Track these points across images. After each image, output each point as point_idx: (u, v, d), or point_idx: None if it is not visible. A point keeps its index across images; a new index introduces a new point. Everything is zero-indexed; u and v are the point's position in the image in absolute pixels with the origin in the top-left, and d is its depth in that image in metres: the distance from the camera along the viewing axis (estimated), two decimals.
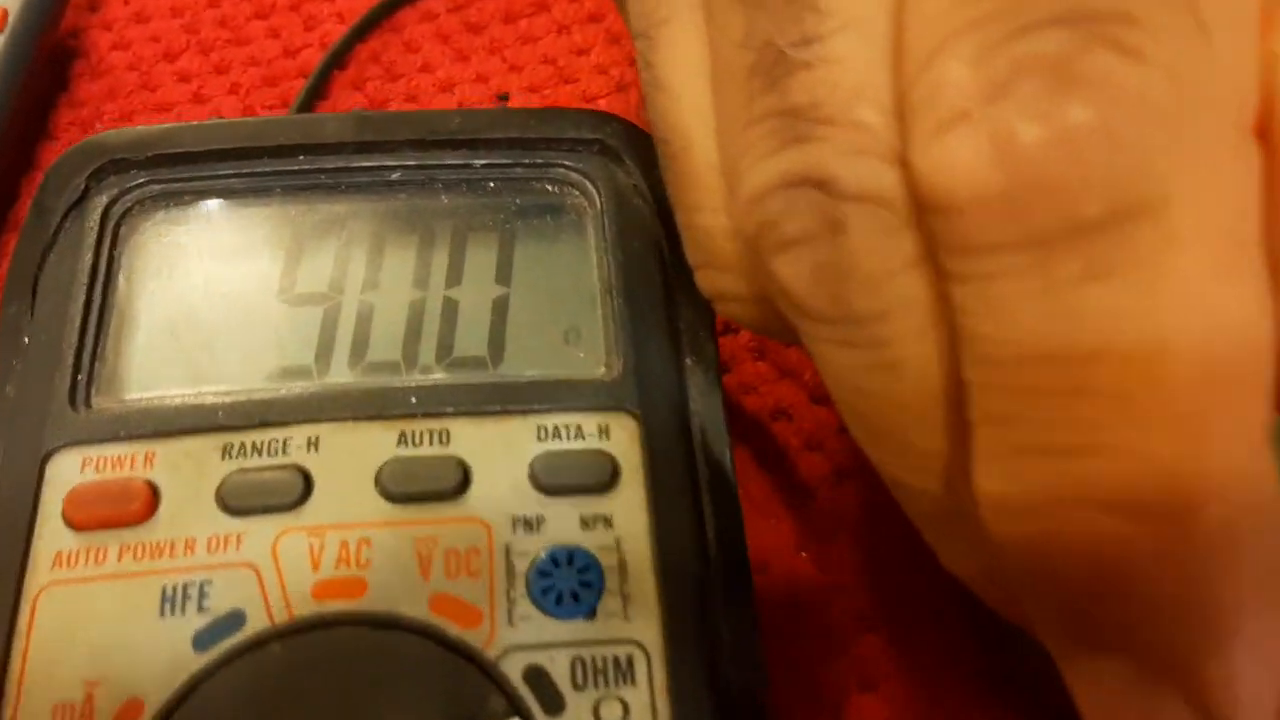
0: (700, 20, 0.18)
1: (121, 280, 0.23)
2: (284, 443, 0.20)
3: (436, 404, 0.21)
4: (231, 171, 0.24)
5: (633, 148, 0.24)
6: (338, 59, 0.33)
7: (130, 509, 0.20)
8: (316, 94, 0.32)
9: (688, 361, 0.22)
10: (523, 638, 0.19)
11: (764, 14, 0.16)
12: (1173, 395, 0.13)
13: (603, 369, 0.22)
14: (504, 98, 0.32)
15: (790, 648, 0.23)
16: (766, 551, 0.25)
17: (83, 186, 0.24)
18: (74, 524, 0.20)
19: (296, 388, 0.21)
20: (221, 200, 0.24)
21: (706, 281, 0.20)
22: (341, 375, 0.22)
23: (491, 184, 0.24)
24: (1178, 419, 0.13)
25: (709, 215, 0.18)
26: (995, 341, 0.14)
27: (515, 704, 0.18)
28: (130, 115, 0.32)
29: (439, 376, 0.21)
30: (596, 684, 0.18)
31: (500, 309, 0.22)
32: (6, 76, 0.31)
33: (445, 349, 0.22)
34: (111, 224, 0.23)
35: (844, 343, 0.16)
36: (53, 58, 0.34)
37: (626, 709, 0.18)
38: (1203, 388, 0.13)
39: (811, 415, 0.26)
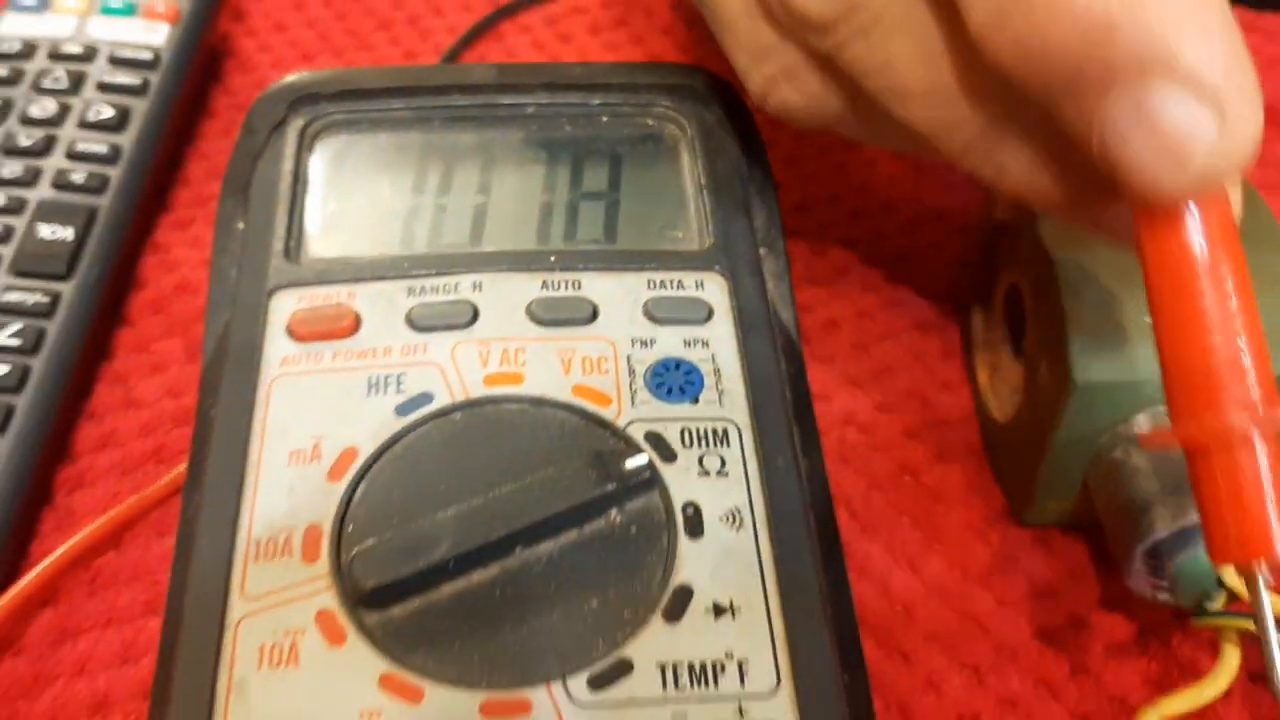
0: None
1: (314, 179, 0.29)
2: (455, 284, 0.26)
3: (569, 262, 0.27)
4: (399, 105, 0.30)
5: (715, 92, 0.30)
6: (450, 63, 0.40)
7: (340, 326, 0.26)
8: None
9: (762, 251, 0.29)
10: (643, 414, 0.24)
11: None
12: None
13: (697, 244, 0.28)
14: None
15: None
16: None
17: (283, 113, 0.30)
18: (296, 337, 0.26)
19: (460, 252, 0.27)
20: (391, 126, 0.30)
21: (757, 78, 0.26)
22: (492, 246, 0.28)
23: (605, 118, 0.30)
24: None
25: (747, 31, 0.25)
26: None
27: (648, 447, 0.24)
28: None
29: (568, 247, 0.28)
30: (701, 444, 0.24)
31: (613, 207, 0.29)
32: (177, 60, 0.38)
33: (570, 233, 0.28)
34: (306, 141, 0.30)
35: None
36: (209, 56, 0.41)
37: (724, 461, 0.24)
38: None
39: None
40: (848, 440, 0.31)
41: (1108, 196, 0.21)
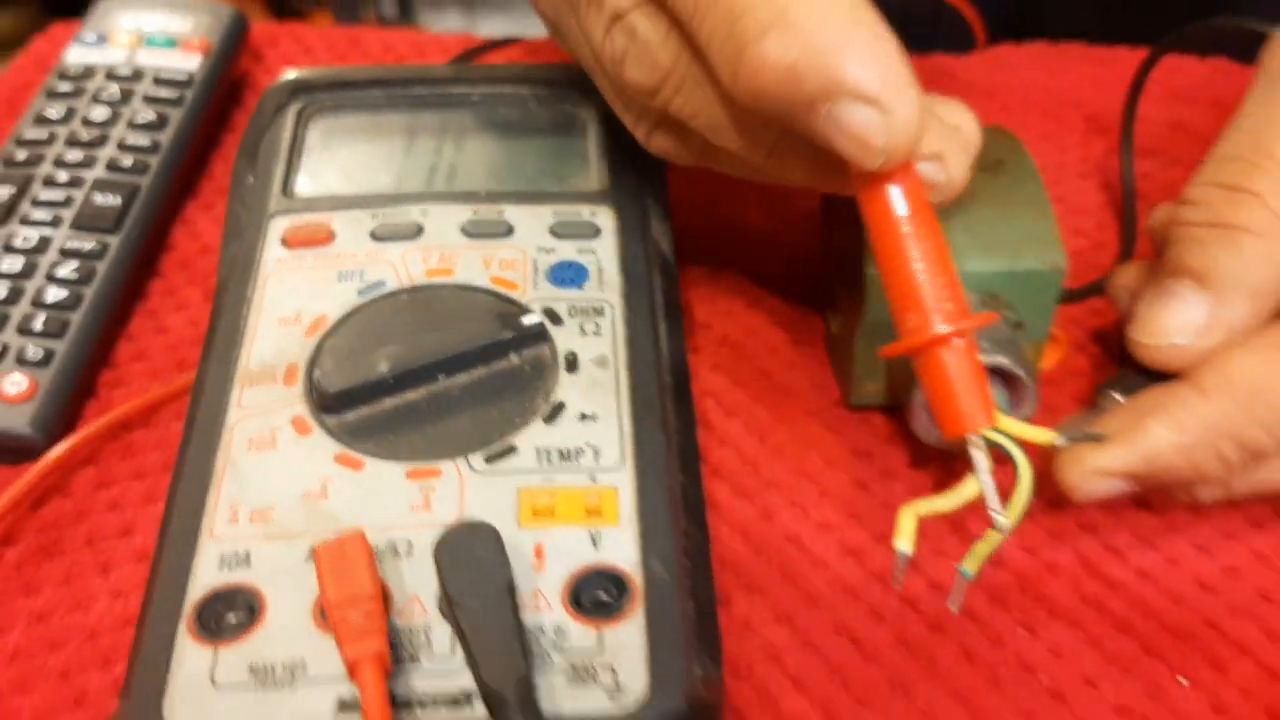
0: None
1: (308, 145, 0.38)
2: (408, 211, 0.35)
3: (495, 199, 0.36)
4: (376, 93, 0.40)
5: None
6: None
7: (319, 236, 0.34)
8: None
9: (648, 200, 0.37)
10: (542, 295, 0.33)
11: None
12: None
13: (595, 187, 0.37)
14: None
15: None
16: None
17: (286, 98, 0.39)
18: (287, 244, 0.34)
19: (414, 191, 0.36)
20: (368, 108, 0.39)
21: (639, 134, 0.34)
22: (438, 186, 0.37)
23: (532, 103, 0.40)
24: None
25: (618, 99, 0.34)
26: None
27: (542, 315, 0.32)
28: None
29: (496, 188, 0.37)
30: (582, 315, 0.33)
31: (532, 161, 0.38)
32: (207, 82, 0.48)
33: (500, 179, 0.37)
34: (303, 118, 0.39)
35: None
36: (232, 85, 0.50)
37: (599, 326, 0.32)
38: None
39: None
40: (721, 353, 0.39)
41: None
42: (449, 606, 0.25)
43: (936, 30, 0.51)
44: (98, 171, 0.43)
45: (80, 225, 0.41)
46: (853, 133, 0.27)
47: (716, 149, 0.32)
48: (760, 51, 0.27)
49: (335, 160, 0.38)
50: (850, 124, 0.27)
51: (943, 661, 0.31)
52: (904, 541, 0.29)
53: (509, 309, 0.32)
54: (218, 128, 0.49)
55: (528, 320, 0.32)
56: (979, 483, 0.29)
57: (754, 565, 0.33)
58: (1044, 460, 0.32)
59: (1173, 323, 0.30)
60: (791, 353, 0.39)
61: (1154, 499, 0.33)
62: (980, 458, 0.29)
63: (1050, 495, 0.34)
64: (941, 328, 0.28)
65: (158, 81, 0.47)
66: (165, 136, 0.45)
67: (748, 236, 0.44)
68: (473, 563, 0.25)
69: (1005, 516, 0.28)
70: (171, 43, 0.49)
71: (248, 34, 0.51)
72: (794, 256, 0.42)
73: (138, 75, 0.47)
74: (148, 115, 0.45)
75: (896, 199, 0.29)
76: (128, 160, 0.44)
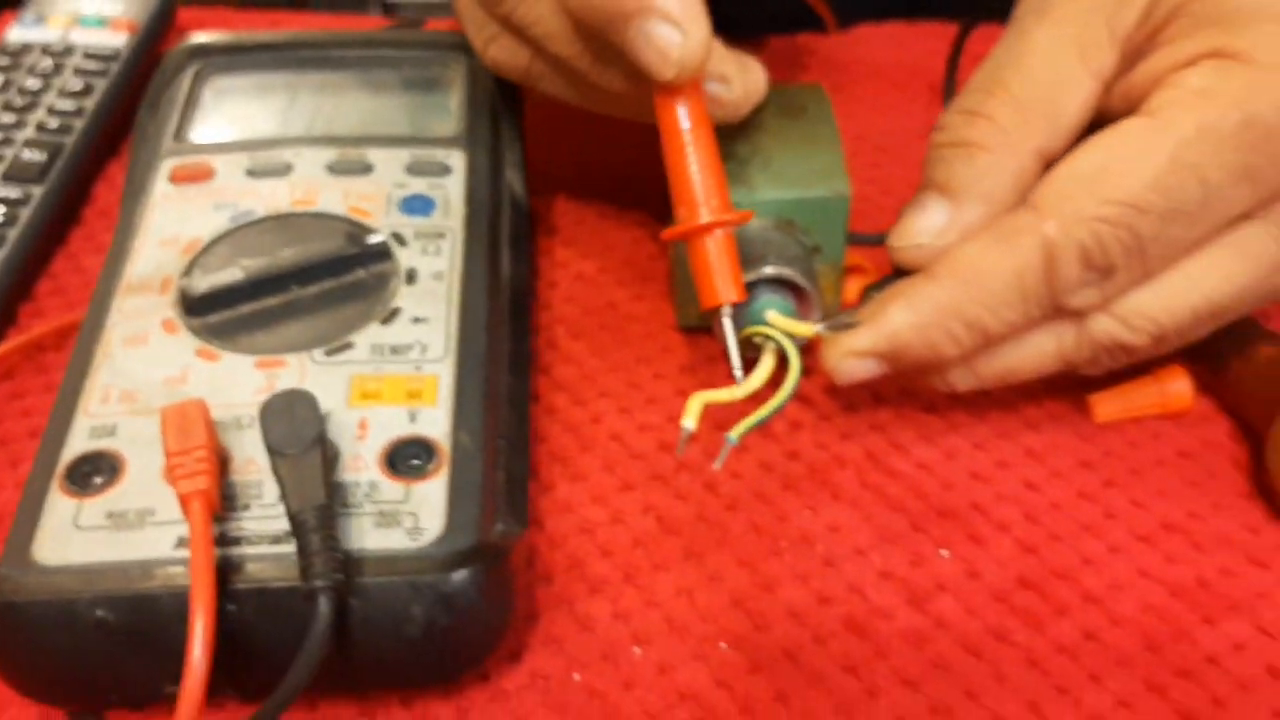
0: None
1: (201, 100, 0.43)
2: (281, 153, 0.40)
3: (360, 143, 0.41)
4: (264, 56, 0.44)
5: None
6: None
7: (200, 173, 0.39)
8: None
9: (503, 147, 0.42)
10: (392, 223, 0.38)
11: None
12: None
13: (450, 131, 0.42)
14: None
15: None
16: None
17: (184, 60, 0.44)
18: (173, 180, 0.39)
19: (289, 136, 0.41)
20: (257, 69, 0.44)
21: (477, 43, 0.39)
22: (314, 131, 0.41)
23: (404, 63, 0.44)
24: None
25: (468, 8, 0.39)
26: None
27: (389, 240, 0.37)
28: None
29: (362, 134, 0.41)
30: (426, 239, 0.37)
31: (396, 110, 0.43)
32: (132, 56, 0.53)
33: (366, 126, 0.42)
34: (199, 77, 0.44)
35: None
36: (156, 58, 0.55)
37: (440, 248, 0.37)
38: None
39: None
40: (575, 286, 0.44)
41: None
42: (268, 454, 0.29)
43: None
44: (27, 132, 0.48)
45: (8, 177, 0.46)
46: (656, 44, 0.33)
47: (543, 64, 0.38)
48: None
49: (224, 113, 0.43)
50: (654, 36, 0.33)
51: (733, 533, 0.36)
52: (689, 420, 0.34)
53: (359, 231, 0.37)
54: (140, 97, 0.53)
55: (372, 239, 0.36)
56: (745, 377, 0.34)
57: (580, 459, 0.38)
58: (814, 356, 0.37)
59: (917, 226, 0.35)
60: (639, 285, 0.44)
61: (917, 386, 0.38)
62: (728, 325, 0.34)
63: (845, 400, 0.39)
64: (706, 218, 0.34)
65: (86, 56, 0.52)
66: (90, 103, 0.50)
67: (609, 184, 0.48)
68: (290, 419, 0.29)
69: (741, 378, 0.34)
70: (102, 22, 0.54)
71: (174, 15, 0.56)
72: (647, 200, 0.47)
73: (69, 51, 0.52)
74: (75, 85, 0.50)
75: (683, 112, 0.34)
76: (54, 123, 0.49)
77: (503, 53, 0.39)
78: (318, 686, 0.30)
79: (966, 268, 0.33)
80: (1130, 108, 0.34)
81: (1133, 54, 0.34)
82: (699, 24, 0.33)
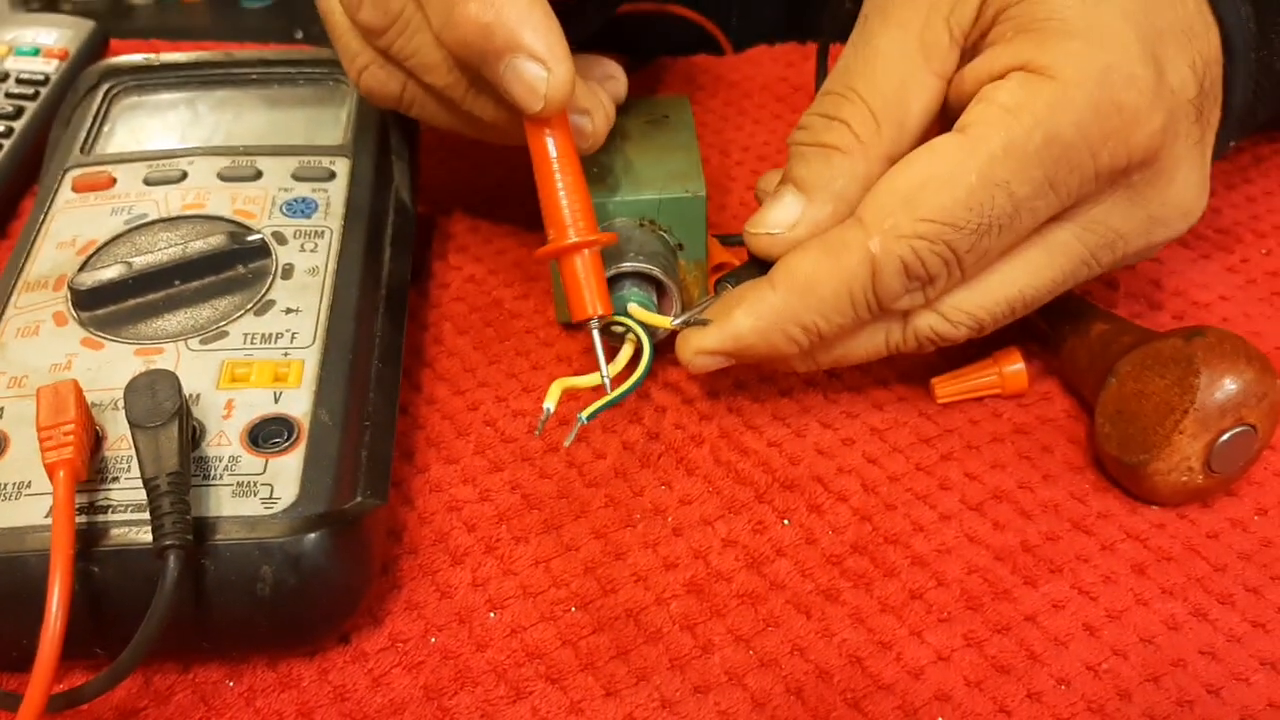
0: None
1: (111, 116, 0.46)
2: (176, 163, 0.43)
3: (252, 152, 0.43)
4: (170, 76, 0.47)
5: None
6: None
7: (101, 182, 0.42)
8: None
9: (392, 158, 0.45)
10: (274, 223, 0.40)
11: None
12: None
13: (337, 141, 0.44)
14: None
15: None
16: None
17: (97, 80, 0.47)
18: (75, 189, 0.42)
19: (187, 147, 0.44)
20: (164, 89, 0.47)
21: (351, 71, 0.42)
22: (211, 142, 0.44)
23: (299, 80, 0.47)
24: None
25: (343, 37, 0.42)
26: None
27: (268, 238, 0.40)
28: None
29: (256, 144, 0.44)
30: (305, 237, 0.40)
31: (288, 124, 0.45)
32: (61, 81, 0.56)
33: (261, 137, 0.45)
34: (110, 96, 0.47)
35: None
36: None
37: (316, 246, 0.40)
38: None
39: None
40: (465, 288, 0.47)
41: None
42: (130, 427, 0.32)
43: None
44: None
45: None
46: (524, 80, 0.35)
47: (415, 91, 0.40)
48: (465, 11, 0.35)
49: (130, 128, 0.45)
50: (522, 73, 0.35)
51: (591, 508, 0.38)
52: (549, 401, 0.36)
53: (240, 231, 0.40)
54: None
55: (251, 238, 0.39)
56: (608, 364, 0.37)
57: (454, 443, 0.40)
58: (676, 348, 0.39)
59: (772, 217, 0.37)
60: (525, 285, 0.47)
61: (765, 370, 0.40)
62: (596, 335, 0.36)
63: (706, 386, 0.41)
64: (573, 239, 0.36)
65: (18, 81, 0.55)
66: (19, 124, 0.53)
67: (503, 195, 0.51)
68: (151, 396, 0.32)
69: (609, 386, 0.36)
70: (36, 51, 0.57)
71: (106, 46, 0.59)
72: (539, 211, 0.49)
73: (3, 77, 0.55)
74: (5, 108, 0.53)
75: (550, 141, 0.37)
76: None
77: (375, 81, 0.42)
78: (187, 649, 0.33)
79: (802, 278, 0.36)
80: (960, 106, 0.36)
81: (969, 51, 0.37)
82: (564, 63, 0.36)
